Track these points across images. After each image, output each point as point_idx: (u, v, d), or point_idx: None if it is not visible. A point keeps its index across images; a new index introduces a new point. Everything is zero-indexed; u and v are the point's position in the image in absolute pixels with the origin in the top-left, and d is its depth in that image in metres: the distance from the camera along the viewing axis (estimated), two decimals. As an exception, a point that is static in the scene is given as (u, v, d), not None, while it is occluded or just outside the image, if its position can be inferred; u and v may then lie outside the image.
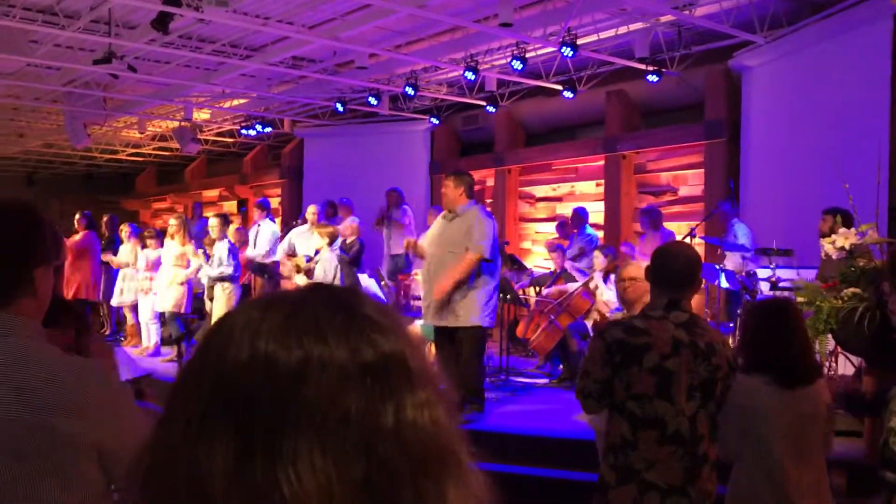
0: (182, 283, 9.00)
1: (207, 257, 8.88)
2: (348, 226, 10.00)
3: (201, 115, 14.75)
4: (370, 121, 13.98)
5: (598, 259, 7.78)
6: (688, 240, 7.59)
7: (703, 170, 10.31)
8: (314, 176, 14.70)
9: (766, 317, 3.22)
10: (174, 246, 9.08)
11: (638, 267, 4.16)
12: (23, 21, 8.70)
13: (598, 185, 11.79)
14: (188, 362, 0.69)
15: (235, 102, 13.64)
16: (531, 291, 9.41)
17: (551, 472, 5.10)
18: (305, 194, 14.65)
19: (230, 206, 17.38)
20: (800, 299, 4.90)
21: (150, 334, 9.66)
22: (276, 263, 9.89)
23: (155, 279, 9.37)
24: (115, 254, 10.34)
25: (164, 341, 9.59)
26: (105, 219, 11.58)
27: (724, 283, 7.21)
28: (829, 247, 5.22)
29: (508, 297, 7.85)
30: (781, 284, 6.15)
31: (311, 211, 10.23)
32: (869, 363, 5.12)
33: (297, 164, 15.27)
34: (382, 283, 8.87)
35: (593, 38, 9.44)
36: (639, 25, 9.15)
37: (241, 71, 11.10)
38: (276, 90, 12.35)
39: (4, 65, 10.39)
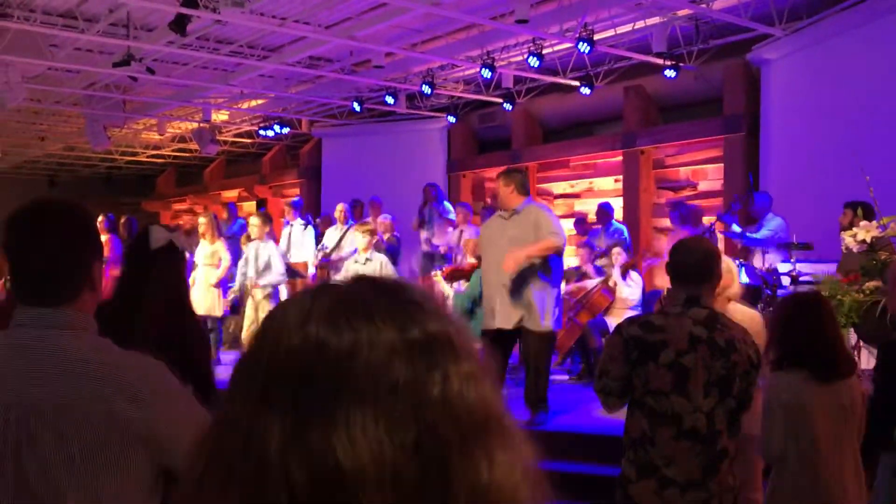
0: (215, 285, 8.85)
1: (236, 258, 8.77)
2: (381, 223, 10.01)
3: (220, 117, 14.84)
4: (387, 120, 14.01)
5: (618, 255, 7.76)
6: (707, 236, 7.57)
7: (722, 164, 10.25)
8: (332, 175, 14.74)
9: (801, 310, 3.18)
10: (205, 245, 9.02)
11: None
12: (43, 25, 8.79)
13: (616, 181, 11.75)
14: (248, 347, 0.73)
15: (253, 103, 13.71)
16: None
17: (573, 467, 5.09)
18: (324, 194, 14.69)
19: (249, 206, 17.47)
20: (817, 290, 4.86)
21: None
22: (305, 264, 9.90)
23: (193, 278, 9.28)
24: None
25: None
26: (122, 220, 11.66)
27: (744, 278, 7.15)
28: (849, 240, 5.19)
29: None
30: (802, 278, 6.11)
31: (339, 209, 10.23)
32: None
33: (315, 163, 15.32)
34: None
35: (610, 33, 9.40)
36: (656, 20, 9.10)
37: (258, 72, 11.15)
38: (293, 90, 12.41)
39: (26, 69, 10.50)
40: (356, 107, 12.25)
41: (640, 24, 9.28)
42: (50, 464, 1.52)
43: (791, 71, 8.98)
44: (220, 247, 8.85)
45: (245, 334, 8.57)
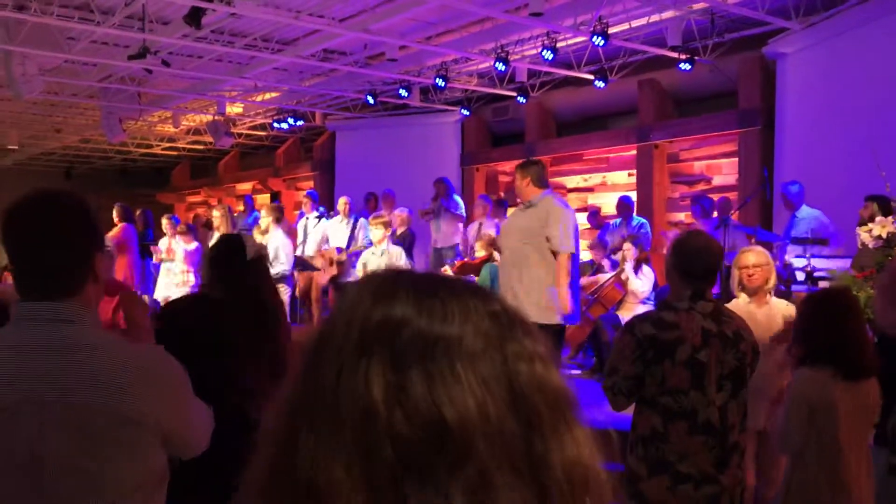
0: None
1: None
2: (397, 216, 10.01)
3: (234, 109, 14.88)
4: (401, 113, 14.01)
5: (629, 250, 7.73)
6: (721, 229, 7.53)
7: (737, 159, 10.19)
8: (346, 168, 14.76)
9: (828, 307, 3.14)
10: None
11: (761, 253, 4.10)
12: (60, 18, 8.84)
13: (630, 175, 11.71)
14: (333, 313, 0.75)
15: (268, 96, 13.74)
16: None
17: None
18: (337, 186, 14.71)
19: (263, 199, 17.53)
20: (846, 287, 4.83)
21: None
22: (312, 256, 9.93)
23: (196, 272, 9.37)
24: (147, 245, 10.43)
25: None
26: (137, 213, 11.72)
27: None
28: (865, 235, 5.15)
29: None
30: (817, 274, 6.07)
31: (342, 202, 10.26)
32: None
33: (328, 156, 15.34)
34: None
35: (625, 26, 9.36)
36: (671, 13, 9.05)
37: (273, 65, 11.17)
38: (307, 83, 12.42)
39: (43, 62, 10.56)
40: (370, 100, 12.26)
41: (654, 18, 9.23)
42: (62, 458, 1.52)
43: (807, 65, 8.91)
44: None
45: None
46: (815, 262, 6.22)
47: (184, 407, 1.68)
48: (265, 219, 8.65)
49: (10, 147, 17.12)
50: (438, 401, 0.66)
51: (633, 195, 11.19)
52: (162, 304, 10.80)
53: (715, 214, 8.32)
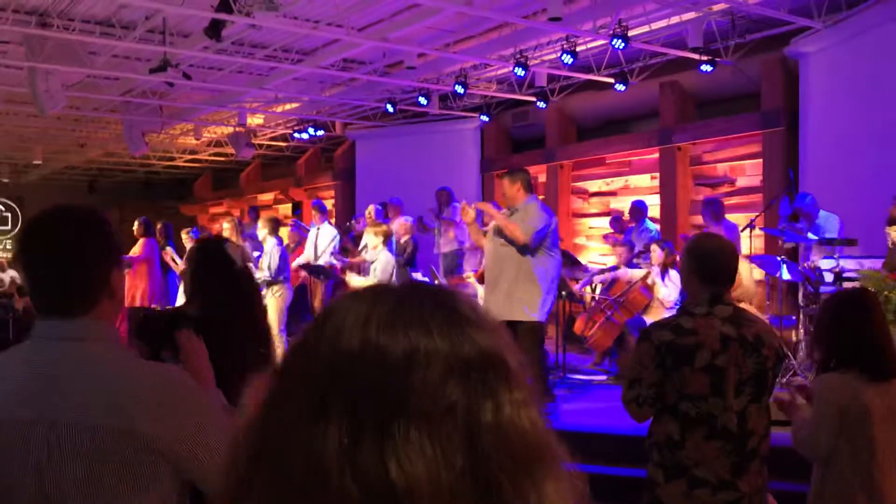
0: None
1: (257, 260, 8.96)
2: (401, 225, 10.01)
3: (255, 120, 14.96)
4: (420, 121, 14.01)
5: (656, 253, 7.66)
6: (747, 231, 7.45)
7: (761, 160, 10.09)
8: (366, 177, 14.79)
9: (850, 308, 3.09)
10: None
11: None
12: (82, 33, 8.93)
13: (652, 178, 11.63)
14: (297, 349, 0.72)
15: (288, 107, 13.80)
16: (588, 290, 9.32)
17: (611, 470, 5.04)
18: (358, 195, 14.75)
19: (285, 209, 17.60)
20: (867, 288, 4.75)
21: None
22: (333, 266, 9.95)
23: None
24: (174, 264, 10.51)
25: None
26: (159, 226, 11.80)
27: (786, 275, 7.03)
28: (895, 234, 5.06)
29: (564, 293, 7.78)
30: (846, 275, 5.98)
31: (369, 211, 10.28)
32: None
33: (349, 165, 15.38)
34: (436, 281, 8.88)
35: (645, 29, 9.31)
36: (691, 15, 8.99)
37: (292, 75, 11.22)
38: (327, 93, 12.46)
39: (66, 77, 10.67)
40: (389, 108, 12.27)
41: (675, 20, 9.17)
42: (71, 480, 1.49)
43: (830, 64, 8.81)
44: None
45: None
46: (844, 263, 6.13)
47: (204, 433, 1.60)
48: (261, 230, 8.87)
49: (35, 163, 17.32)
50: (388, 465, 0.63)
51: (657, 199, 11.12)
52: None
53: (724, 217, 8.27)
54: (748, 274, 4.21)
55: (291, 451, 0.66)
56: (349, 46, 9.70)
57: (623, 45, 8.64)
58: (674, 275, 7.62)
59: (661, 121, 11.14)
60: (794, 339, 6.93)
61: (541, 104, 11.65)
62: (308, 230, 10.83)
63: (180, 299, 10.55)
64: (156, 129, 14.80)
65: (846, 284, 5.88)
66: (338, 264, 9.94)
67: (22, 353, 1.61)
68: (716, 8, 8.82)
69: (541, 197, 12.56)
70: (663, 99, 11.03)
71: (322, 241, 10.17)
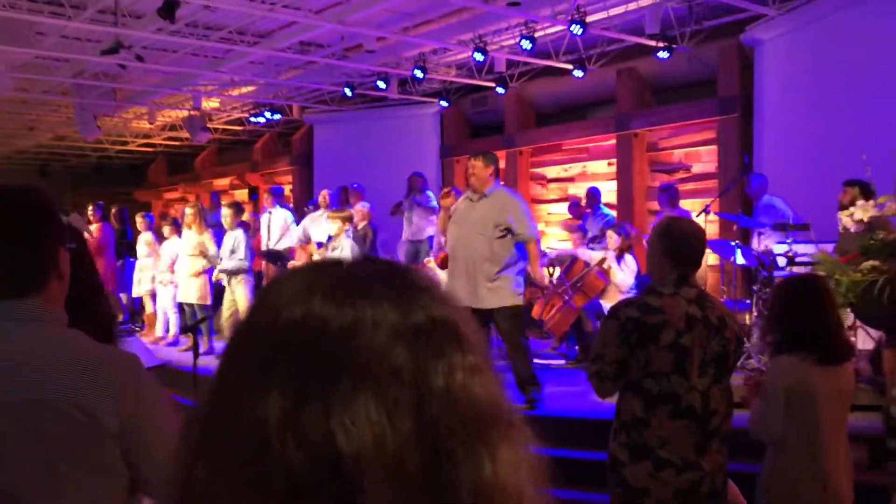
0: (201, 274, 8.91)
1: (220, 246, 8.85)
2: (359, 211, 9.94)
3: (210, 104, 14.74)
4: (379, 105, 13.93)
5: (612, 238, 7.72)
6: (702, 217, 7.54)
7: (716, 146, 10.22)
8: (324, 162, 14.67)
9: (802, 293, 3.16)
10: (191, 235, 9.03)
11: None
12: (29, 13, 8.69)
13: (609, 164, 11.71)
14: (243, 321, 0.71)
15: (244, 90, 13.62)
16: (546, 273, 9.36)
17: (571, 453, 5.08)
18: (316, 180, 14.63)
19: (241, 194, 17.39)
20: (819, 273, 4.84)
21: (171, 324, 9.70)
22: (291, 250, 9.86)
23: (175, 269, 9.33)
24: (128, 244, 10.36)
25: (183, 330, 9.60)
26: (114, 210, 11.59)
27: (741, 260, 7.14)
28: (847, 220, 5.16)
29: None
30: (799, 259, 6.08)
31: (323, 195, 10.19)
32: (889, 336, 5.06)
33: (307, 150, 15.25)
34: None
35: (602, 15, 9.34)
36: (648, 1, 9.04)
37: (248, 58, 11.06)
38: (284, 76, 12.32)
39: (12, 57, 10.39)
40: (348, 92, 12.16)
41: (632, 6, 9.22)
42: (22, 461, 1.48)
43: (784, 51, 8.93)
44: (207, 237, 8.90)
45: (224, 321, 8.63)
46: (797, 248, 6.24)
47: (150, 413, 1.58)
48: (226, 218, 8.77)
49: (-19, 146, 16.91)
50: (334, 432, 0.62)
51: (614, 185, 11.21)
52: (142, 301, 10.70)
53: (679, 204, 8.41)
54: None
55: (235, 419, 0.65)
56: (306, 29, 9.59)
57: (581, 31, 8.67)
58: (629, 259, 7.69)
59: (618, 107, 11.21)
60: (747, 322, 7.05)
61: (500, 90, 11.66)
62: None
63: (137, 285, 10.40)
64: (109, 112, 14.50)
65: (799, 269, 5.99)
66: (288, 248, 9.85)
67: None
68: (673, -6, 8.89)
69: (500, 183, 12.59)
70: (620, 85, 11.09)
71: (274, 225, 10.05)
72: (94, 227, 10.45)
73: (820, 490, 3.01)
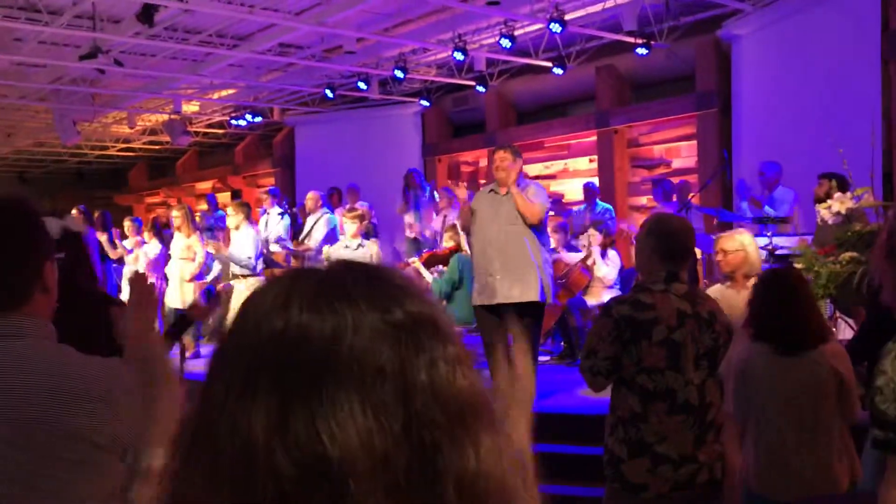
0: (191, 279, 8.75)
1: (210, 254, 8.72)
2: (362, 211, 9.95)
3: (190, 108, 14.68)
4: (360, 106, 13.93)
5: (594, 235, 7.78)
6: (683, 212, 7.60)
7: (695, 141, 10.30)
8: (306, 164, 14.65)
9: (765, 285, 3.24)
10: (180, 238, 8.91)
11: (733, 238, 4.23)
12: (5, 19, 8.63)
13: (591, 161, 11.78)
14: (227, 332, 0.71)
15: (224, 93, 13.58)
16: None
17: (557, 448, 5.12)
18: (298, 182, 14.60)
19: (223, 197, 17.32)
20: (798, 266, 4.90)
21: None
22: (286, 255, 9.84)
23: (168, 272, 9.18)
24: (112, 248, 10.28)
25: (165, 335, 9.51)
26: (97, 215, 11.52)
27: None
28: (825, 212, 5.23)
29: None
30: (778, 252, 6.15)
31: (309, 197, 10.18)
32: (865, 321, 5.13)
33: (288, 152, 15.22)
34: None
35: (581, 12, 9.39)
36: (626, -2, 9.10)
37: (228, 61, 11.04)
38: (264, 79, 12.29)
39: (-10, 64, 10.32)
40: (328, 94, 12.16)
41: (610, 3, 9.27)
42: (11, 477, 1.47)
43: (761, 46, 9.02)
44: (195, 241, 8.77)
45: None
46: (777, 241, 6.31)
47: (140, 419, 1.60)
48: (234, 217, 8.46)
49: (-41, 153, 16.75)
50: (321, 436, 0.63)
51: (595, 181, 11.27)
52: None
53: (674, 198, 8.41)
54: (754, 248, 4.27)
55: (222, 429, 0.65)
56: (286, 31, 9.58)
57: (560, 28, 8.71)
58: (613, 255, 7.76)
59: (597, 104, 11.28)
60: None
61: (480, 88, 11.69)
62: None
63: (125, 290, 10.33)
64: (88, 117, 14.41)
65: (779, 261, 6.06)
66: (281, 252, 9.83)
67: None
68: (650, -9, 8.95)
69: (482, 181, 12.64)
70: (600, 82, 11.16)
71: (271, 225, 10.04)
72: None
73: (781, 477, 3.04)
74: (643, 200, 11.18)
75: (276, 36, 9.87)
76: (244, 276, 8.20)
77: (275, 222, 10.11)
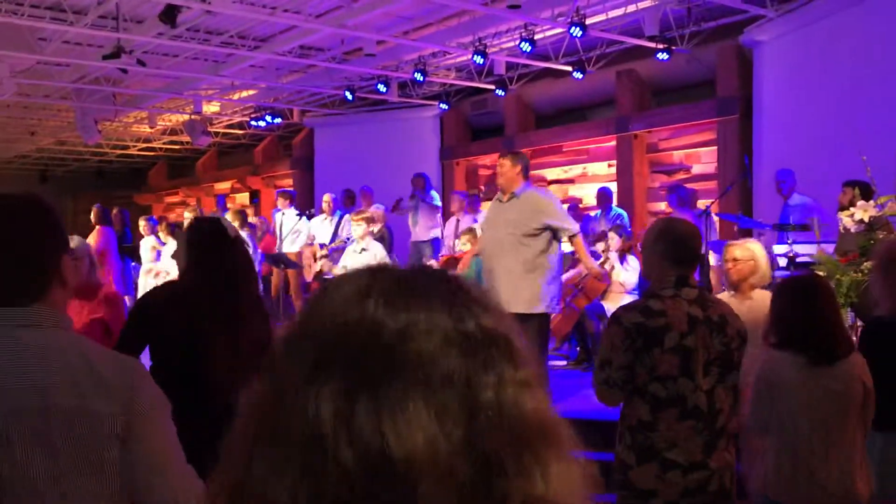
0: None
1: None
2: (373, 213, 9.99)
3: (211, 108, 14.77)
4: (379, 108, 13.95)
5: (614, 239, 7.75)
6: (703, 218, 7.55)
7: (716, 147, 10.24)
8: (325, 165, 14.70)
9: (793, 293, 3.18)
10: None
11: (745, 247, 4.19)
12: (31, 18, 8.72)
13: (609, 165, 11.74)
14: (297, 321, 0.71)
15: (245, 94, 13.65)
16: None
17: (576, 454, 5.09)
18: (317, 183, 14.65)
19: (242, 197, 17.42)
20: (819, 274, 4.86)
21: None
22: (298, 254, 9.90)
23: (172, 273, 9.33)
24: (129, 248, 10.36)
25: None
26: (114, 212, 11.59)
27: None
28: (847, 220, 5.17)
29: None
30: (799, 260, 6.10)
31: (326, 199, 10.22)
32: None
33: (307, 153, 15.27)
34: None
35: (602, 17, 9.37)
36: (648, 3, 9.07)
37: (249, 62, 11.09)
38: (284, 80, 12.34)
39: (14, 63, 10.42)
40: (348, 96, 12.19)
41: (631, 8, 9.25)
42: (28, 464, 1.49)
43: (783, 52, 8.96)
44: None
45: None
46: (798, 248, 6.25)
47: (160, 422, 1.61)
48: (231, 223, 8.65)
49: (-17, 151, 16.93)
50: (385, 433, 0.62)
51: (614, 186, 11.23)
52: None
53: (695, 206, 8.38)
54: (765, 258, 4.23)
55: (290, 415, 0.65)
56: (307, 33, 9.62)
57: (581, 33, 8.69)
58: (632, 260, 7.72)
59: (617, 109, 11.24)
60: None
61: (499, 92, 11.68)
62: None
63: (141, 287, 10.41)
64: (109, 116, 14.53)
65: (800, 269, 6.01)
66: (294, 252, 9.89)
67: None
68: (672, -4, 8.92)
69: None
70: (620, 87, 11.12)
71: (286, 227, 10.11)
72: (94, 231, 10.46)
73: (805, 486, 3.02)
74: (662, 206, 11.12)
75: (297, 38, 9.91)
76: None
77: (290, 223, 10.15)
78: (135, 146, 17.76)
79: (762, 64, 9.29)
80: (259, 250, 8.94)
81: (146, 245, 10.38)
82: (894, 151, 5.82)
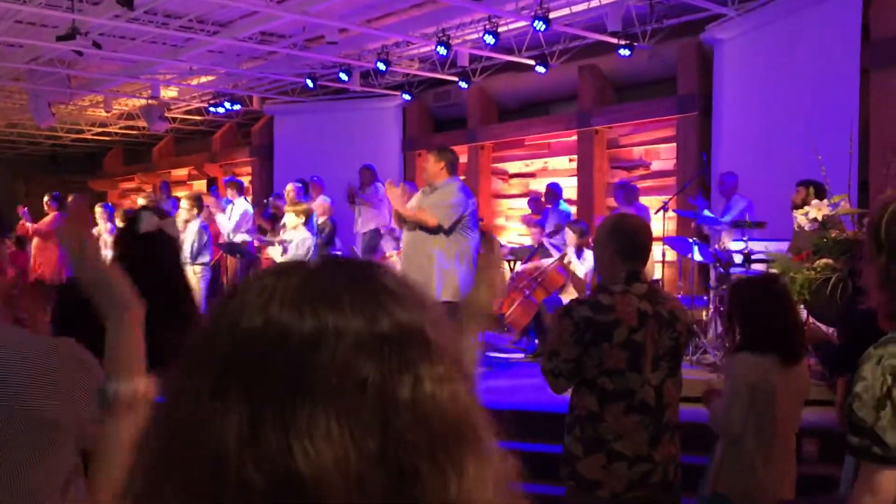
0: None
1: None
2: (319, 205, 9.88)
3: (169, 93, 14.52)
4: (341, 97, 13.84)
5: (570, 234, 7.79)
6: (660, 214, 7.63)
7: (675, 144, 10.34)
8: (285, 154, 14.54)
9: (764, 293, 3.22)
10: None
11: None
12: (-18, -4, 8.48)
13: (570, 160, 11.78)
14: (201, 328, 0.67)
15: (203, 79, 13.44)
16: (506, 266, 9.41)
17: (531, 446, 5.11)
18: (276, 172, 14.50)
19: (199, 185, 17.16)
20: (773, 271, 4.93)
21: None
22: (249, 243, 9.77)
23: None
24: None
25: None
26: (70, 198, 11.35)
27: (698, 257, 7.24)
28: (801, 218, 5.26)
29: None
30: (754, 257, 6.19)
31: (288, 189, 10.12)
32: (840, 332, 5.18)
33: (267, 141, 15.10)
34: None
35: (565, 11, 9.38)
36: (611, -1, 9.11)
37: (208, 47, 10.91)
38: (244, 66, 12.18)
39: (-36, 42, 10.13)
40: (309, 84, 12.07)
41: (595, 3, 9.28)
42: None
43: (743, 51, 9.07)
44: None
45: None
46: (753, 245, 6.34)
47: (93, 405, 1.54)
48: (188, 210, 8.56)
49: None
50: (292, 451, 0.59)
51: (574, 180, 11.29)
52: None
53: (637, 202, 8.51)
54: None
55: (192, 436, 0.61)
56: (268, 19, 9.48)
57: (544, 27, 8.69)
58: (588, 255, 7.76)
59: (579, 104, 11.29)
60: (704, 318, 7.15)
61: (462, 84, 11.66)
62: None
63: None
64: (64, 100, 14.19)
65: (755, 266, 6.10)
66: (256, 242, 9.77)
67: None
68: (635, -8, 8.96)
69: (462, 177, 12.61)
70: (582, 82, 11.17)
71: (234, 217, 9.97)
72: (47, 218, 10.24)
73: (771, 479, 3.09)
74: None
75: (258, 23, 9.77)
76: (193, 265, 8.30)
77: (239, 212, 10.01)
78: (90, 130, 17.41)
79: (722, 62, 9.39)
80: (210, 235, 8.80)
81: (99, 232, 10.19)
82: (847, 153, 5.92)
